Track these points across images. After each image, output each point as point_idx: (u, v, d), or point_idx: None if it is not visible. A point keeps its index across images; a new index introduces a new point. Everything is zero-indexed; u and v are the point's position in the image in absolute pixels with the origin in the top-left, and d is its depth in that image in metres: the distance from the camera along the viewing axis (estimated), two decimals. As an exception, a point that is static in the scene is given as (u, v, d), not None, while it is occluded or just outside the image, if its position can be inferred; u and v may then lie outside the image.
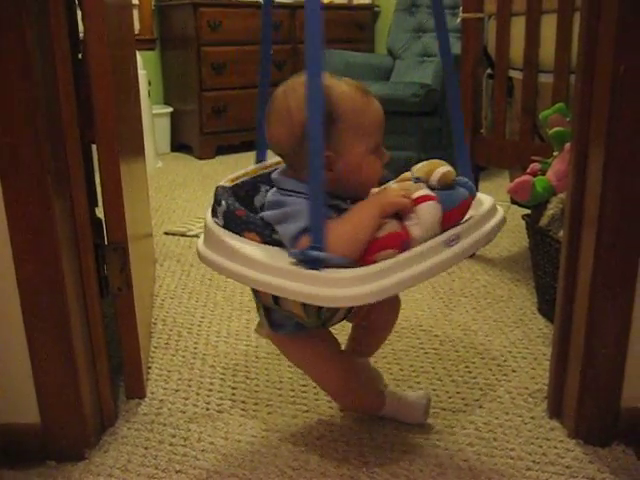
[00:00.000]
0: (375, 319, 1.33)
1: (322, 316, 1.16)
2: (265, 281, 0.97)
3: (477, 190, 1.14)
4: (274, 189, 1.09)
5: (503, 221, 1.12)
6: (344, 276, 0.92)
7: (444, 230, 1.01)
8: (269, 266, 0.97)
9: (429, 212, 0.99)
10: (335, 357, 1.26)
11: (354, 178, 1.06)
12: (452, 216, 1.03)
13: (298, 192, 1.03)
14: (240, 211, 1.06)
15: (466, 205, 1.06)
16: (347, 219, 0.99)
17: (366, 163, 1.06)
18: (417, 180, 1.06)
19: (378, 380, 1.41)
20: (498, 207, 1.14)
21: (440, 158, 1.09)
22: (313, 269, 0.92)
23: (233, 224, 1.06)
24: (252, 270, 0.99)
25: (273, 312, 1.20)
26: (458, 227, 1.03)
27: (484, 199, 1.14)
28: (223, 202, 1.08)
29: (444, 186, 1.04)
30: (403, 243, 0.97)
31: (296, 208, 0.99)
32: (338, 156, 1.03)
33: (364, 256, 0.96)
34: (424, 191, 1.01)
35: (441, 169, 1.05)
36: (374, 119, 1.06)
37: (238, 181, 1.18)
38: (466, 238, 1.03)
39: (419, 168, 1.08)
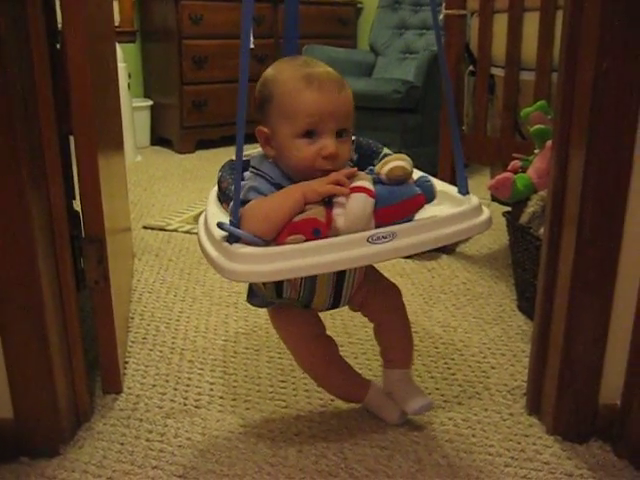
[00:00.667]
0: (375, 309, 1.32)
1: (285, 294, 1.21)
2: (203, 243, 1.06)
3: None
4: None
5: (485, 223, 1.08)
6: (238, 252, 0.95)
7: (382, 225, 0.99)
8: (210, 232, 1.05)
9: (356, 204, 0.97)
10: (313, 339, 1.27)
11: (285, 160, 1.09)
12: (392, 212, 1.00)
13: (253, 167, 1.11)
14: (224, 183, 1.15)
15: (411, 203, 1.02)
16: (268, 199, 1.03)
17: (290, 146, 1.07)
18: (371, 171, 1.05)
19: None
20: (484, 209, 1.10)
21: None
22: (229, 243, 0.97)
23: (220, 194, 1.17)
24: (202, 231, 1.09)
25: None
26: (398, 225, 0.99)
27: (471, 200, 1.10)
28: (219, 173, 1.18)
29: (393, 181, 1.02)
30: (314, 230, 0.96)
31: (244, 184, 1.06)
32: (273, 134, 1.09)
33: (277, 238, 0.98)
34: (362, 182, 0.99)
35: (392, 163, 1.02)
36: (305, 105, 1.05)
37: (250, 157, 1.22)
38: (404, 238, 0.99)
39: (382, 160, 1.06)
